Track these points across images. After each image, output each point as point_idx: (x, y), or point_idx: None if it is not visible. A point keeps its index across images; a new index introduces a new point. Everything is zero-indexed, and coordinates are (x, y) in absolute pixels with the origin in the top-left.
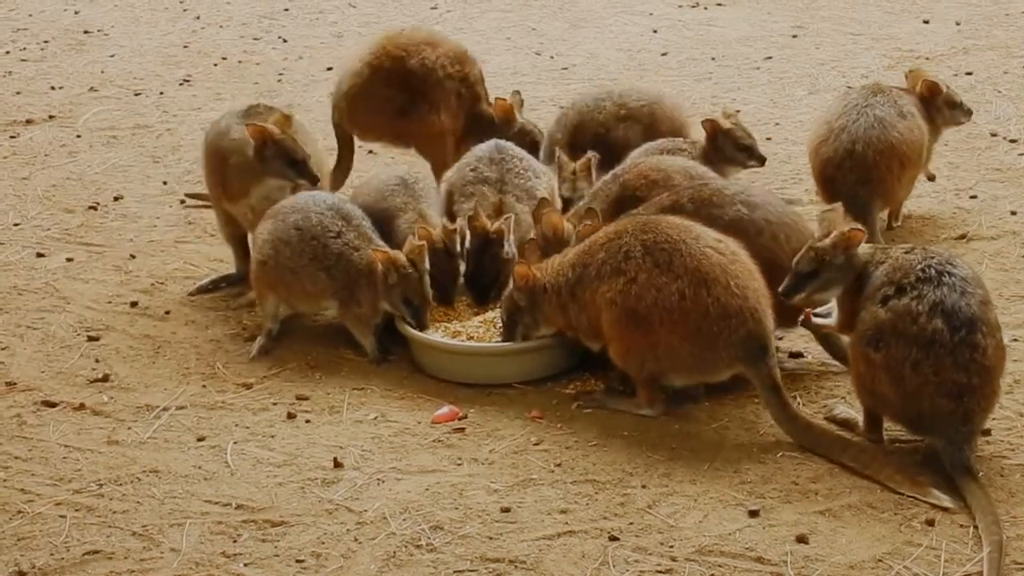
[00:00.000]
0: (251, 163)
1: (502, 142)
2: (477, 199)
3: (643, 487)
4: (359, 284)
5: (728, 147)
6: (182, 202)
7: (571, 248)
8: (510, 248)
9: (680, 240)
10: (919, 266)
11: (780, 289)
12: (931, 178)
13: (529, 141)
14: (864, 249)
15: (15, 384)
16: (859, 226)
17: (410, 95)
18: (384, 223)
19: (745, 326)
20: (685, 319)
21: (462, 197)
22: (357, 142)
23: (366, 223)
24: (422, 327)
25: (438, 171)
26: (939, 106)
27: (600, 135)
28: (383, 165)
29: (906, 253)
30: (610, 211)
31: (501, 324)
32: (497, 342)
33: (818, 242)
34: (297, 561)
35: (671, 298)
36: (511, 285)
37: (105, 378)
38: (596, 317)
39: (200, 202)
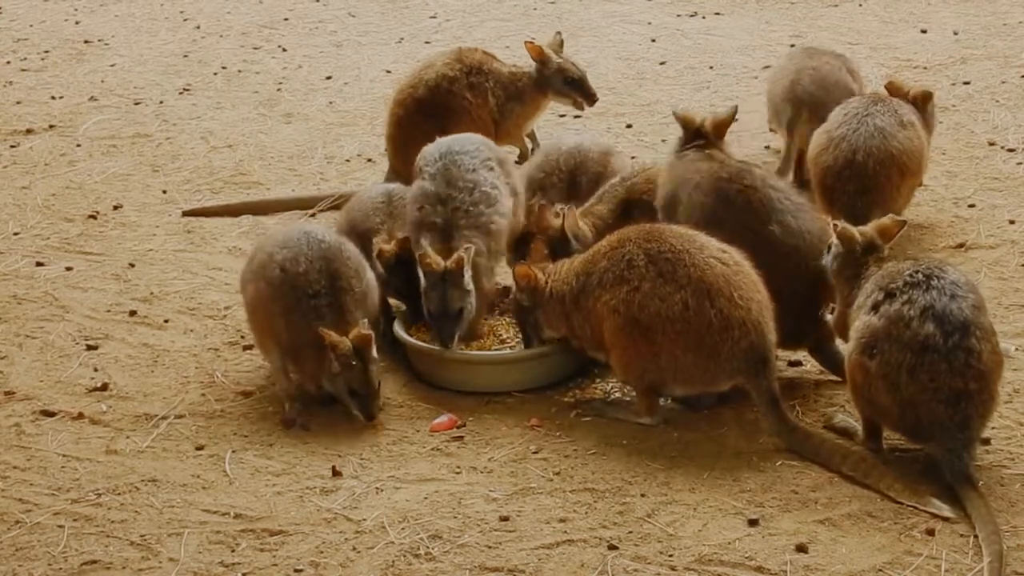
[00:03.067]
0: None
1: (452, 171)
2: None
3: (642, 496)
4: (307, 350)
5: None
6: (183, 214)
7: (577, 256)
8: (469, 281)
9: (684, 250)
10: (907, 272)
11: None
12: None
13: (568, 78)
14: (871, 261)
15: (14, 393)
16: (841, 223)
17: (437, 118)
18: (367, 243)
19: (747, 338)
20: (688, 329)
21: (415, 243)
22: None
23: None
24: (369, 417)
25: (522, 151)
26: (931, 112)
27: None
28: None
29: (897, 263)
30: (616, 213)
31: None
32: (496, 350)
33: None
34: (296, 571)
35: (674, 308)
36: (514, 287)
37: (104, 387)
38: (599, 326)
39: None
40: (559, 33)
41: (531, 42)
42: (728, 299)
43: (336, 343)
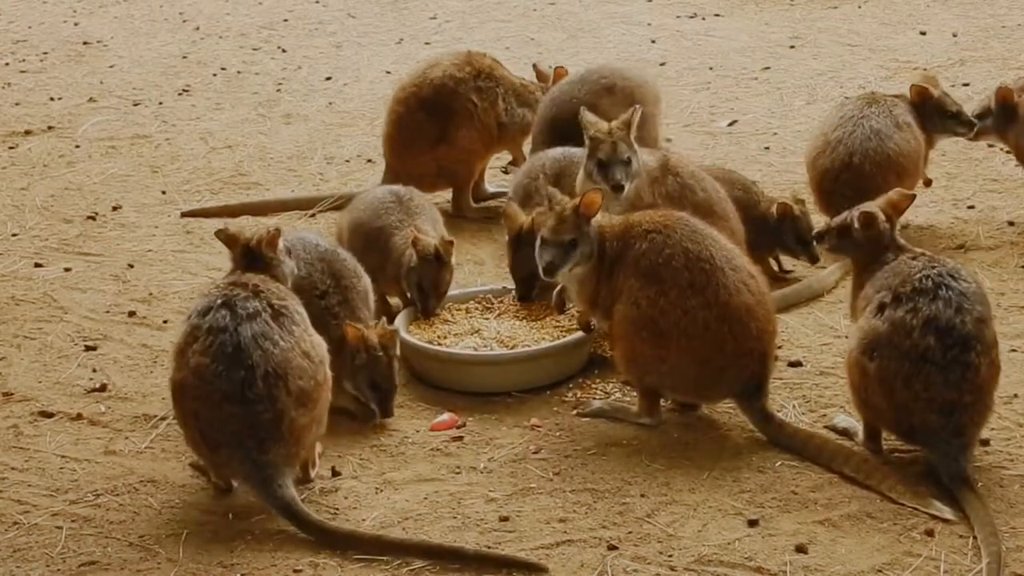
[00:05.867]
0: None
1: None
2: None
3: (642, 496)
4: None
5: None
6: (183, 215)
7: (612, 217)
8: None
9: (720, 267)
10: (917, 275)
11: (814, 233)
12: (927, 183)
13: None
14: (897, 239)
15: (12, 394)
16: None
17: (439, 118)
18: (380, 241)
19: (751, 367)
20: (701, 347)
21: None
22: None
23: (359, 283)
24: (387, 414)
25: (516, 158)
26: (928, 113)
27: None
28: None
29: (912, 258)
30: (644, 181)
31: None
32: (492, 351)
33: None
34: (295, 571)
35: (695, 324)
36: (580, 208)
37: (102, 388)
38: (615, 302)
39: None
40: (536, 65)
41: (560, 68)
42: (746, 329)
43: (366, 335)
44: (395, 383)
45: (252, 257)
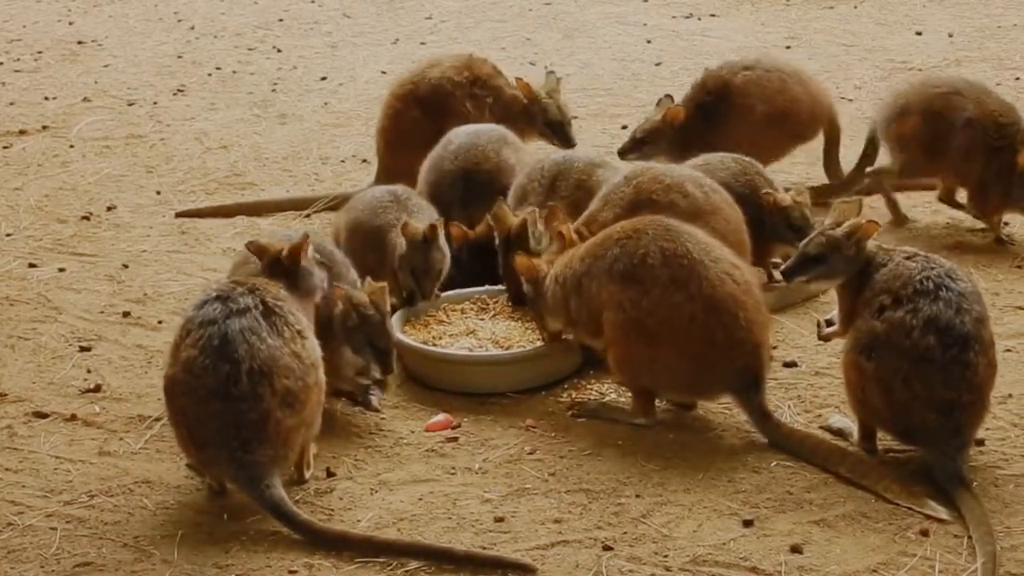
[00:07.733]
0: None
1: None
2: None
3: (637, 496)
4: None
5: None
6: (177, 215)
7: (583, 243)
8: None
9: (699, 260)
10: (917, 277)
11: (782, 269)
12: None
13: (547, 121)
14: (870, 245)
15: (6, 395)
16: (874, 219)
17: (434, 117)
18: (378, 240)
19: (744, 359)
20: (690, 342)
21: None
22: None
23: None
24: (387, 371)
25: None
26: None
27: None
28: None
29: (907, 259)
30: (624, 215)
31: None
32: (488, 351)
33: (830, 229)
34: (290, 572)
35: (681, 319)
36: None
37: (97, 388)
38: (598, 313)
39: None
40: (552, 72)
41: (521, 79)
42: (734, 319)
43: (352, 295)
44: (392, 340)
45: (281, 269)
